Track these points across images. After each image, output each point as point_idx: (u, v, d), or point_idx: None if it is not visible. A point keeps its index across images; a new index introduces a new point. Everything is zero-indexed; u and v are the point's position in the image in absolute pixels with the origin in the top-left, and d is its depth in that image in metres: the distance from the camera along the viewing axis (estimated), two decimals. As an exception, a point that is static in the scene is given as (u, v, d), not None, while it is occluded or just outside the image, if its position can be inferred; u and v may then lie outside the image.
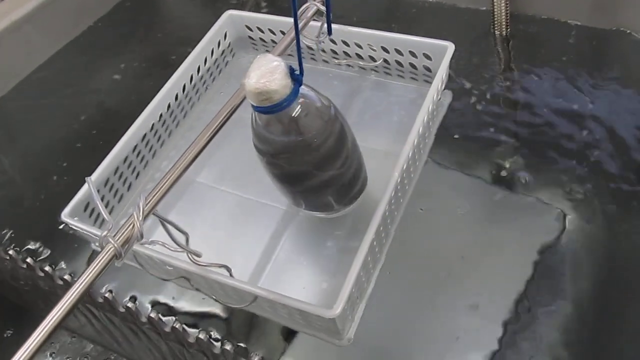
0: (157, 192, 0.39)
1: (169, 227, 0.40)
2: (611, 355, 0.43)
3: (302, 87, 0.40)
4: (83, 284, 0.34)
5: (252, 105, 0.40)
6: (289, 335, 0.46)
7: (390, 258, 0.49)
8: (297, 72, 0.40)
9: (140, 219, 0.36)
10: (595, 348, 0.43)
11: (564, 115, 0.57)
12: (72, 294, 0.34)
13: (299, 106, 0.41)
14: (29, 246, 0.56)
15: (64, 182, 0.61)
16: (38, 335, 0.32)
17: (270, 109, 0.39)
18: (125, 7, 0.84)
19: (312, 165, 0.44)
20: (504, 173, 0.54)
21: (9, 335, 0.54)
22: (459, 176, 0.54)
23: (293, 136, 0.41)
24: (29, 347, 0.32)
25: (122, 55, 0.76)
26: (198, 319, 0.48)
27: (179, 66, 0.61)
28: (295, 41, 0.40)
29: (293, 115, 0.40)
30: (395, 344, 0.45)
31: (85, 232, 0.49)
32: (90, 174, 0.52)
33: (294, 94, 0.39)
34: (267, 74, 0.38)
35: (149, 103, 0.57)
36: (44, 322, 0.33)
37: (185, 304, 0.49)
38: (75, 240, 0.56)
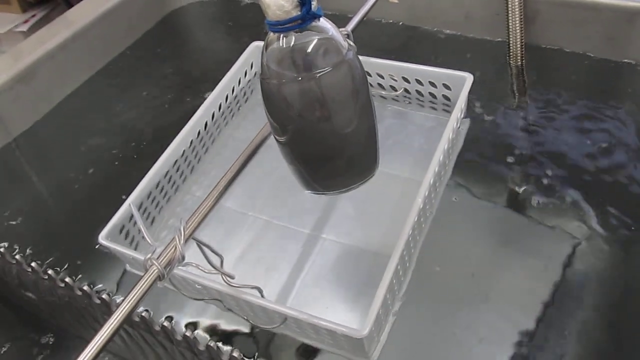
0: (196, 217, 0.42)
1: (205, 249, 0.43)
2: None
3: (323, 20, 0.38)
4: (129, 304, 0.37)
5: (267, 24, 0.37)
6: (316, 353, 0.48)
7: (412, 281, 0.51)
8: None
9: (182, 242, 0.39)
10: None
11: (578, 144, 0.59)
12: (119, 315, 0.36)
13: (315, 40, 0.38)
14: (67, 266, 0.58)
15: (97, 205, 0.64)
16: (88, 354, 0.35)
17: (287, 22, 0.36)
18: (153, 36, 0.88)
19: (325, 113, 0.40)
20: (519, 198, 0.56)
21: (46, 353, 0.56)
22: (475, 201, 0.56)
23: (305, 72, 0.38)
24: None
25: (151, 82, 0.79)
26: (229, 337, 0.50)
27: (205, 93, 0.63)
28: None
29: (308, 50, 0.38)
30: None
31: (123, 254, 0.51)
32: (120, 197, 0.54)
33: (312, 9, 0.36)
34: None
35: (176, 129, 0.60)
36: (92, 342, 0.34)
37: (217, 323, 0.51)
38: (107, 260, 0.58)
